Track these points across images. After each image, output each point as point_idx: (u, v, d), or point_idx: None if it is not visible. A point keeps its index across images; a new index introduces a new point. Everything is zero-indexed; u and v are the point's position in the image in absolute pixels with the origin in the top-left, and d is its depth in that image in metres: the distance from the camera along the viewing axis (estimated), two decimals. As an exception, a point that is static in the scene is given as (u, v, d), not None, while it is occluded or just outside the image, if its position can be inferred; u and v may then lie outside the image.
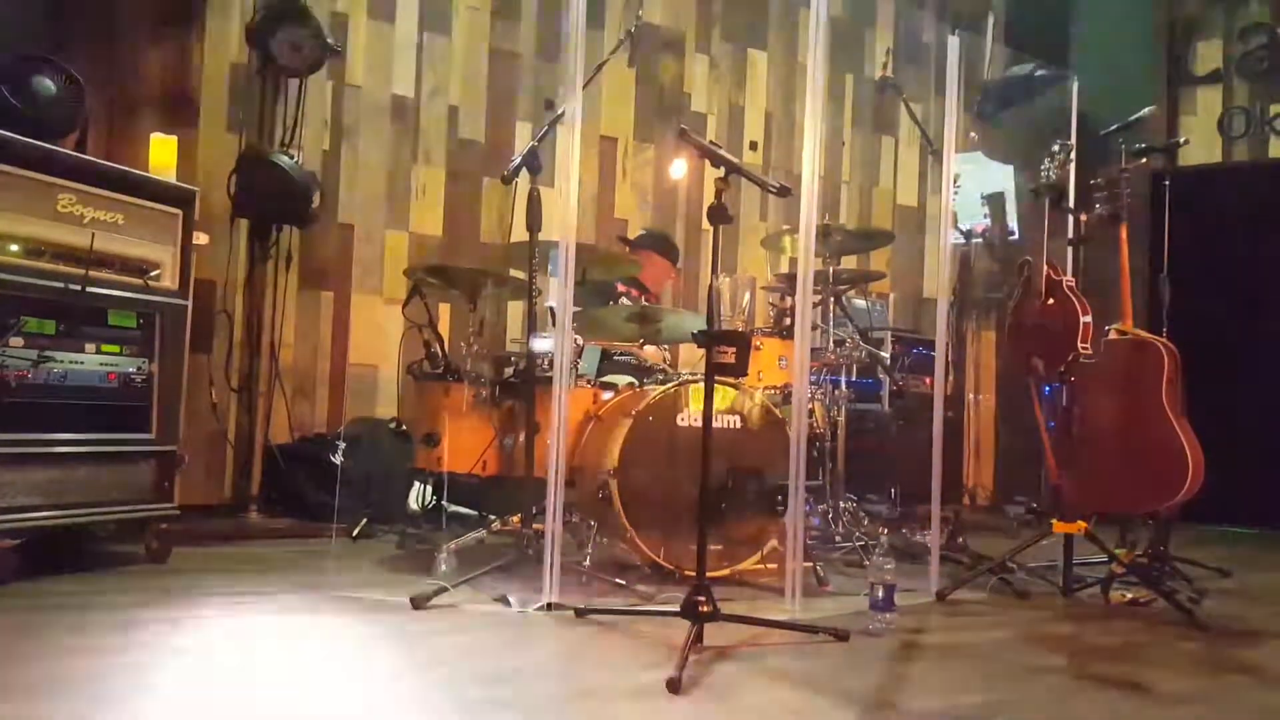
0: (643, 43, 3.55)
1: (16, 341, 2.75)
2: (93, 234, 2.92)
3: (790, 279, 3.85)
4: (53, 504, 2.82)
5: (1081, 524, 3.13)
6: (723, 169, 2.45)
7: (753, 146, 5.88)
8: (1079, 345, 3.15)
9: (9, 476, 2.71)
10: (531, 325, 3.04)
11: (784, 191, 2.51)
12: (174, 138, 3.35)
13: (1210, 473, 3.08)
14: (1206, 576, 3.55)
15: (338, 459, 3.82)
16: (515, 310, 4.84)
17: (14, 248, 2.76)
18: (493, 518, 3.28)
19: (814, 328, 3.67)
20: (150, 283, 3.09)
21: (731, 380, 3.15)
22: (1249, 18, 5.92)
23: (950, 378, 4.26)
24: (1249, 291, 5.43)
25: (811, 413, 3.64)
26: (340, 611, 2.60)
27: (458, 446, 3.33)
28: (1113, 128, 3.66)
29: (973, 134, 5.42)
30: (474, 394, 3.29)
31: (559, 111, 2.98)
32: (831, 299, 3.92)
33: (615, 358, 3.94)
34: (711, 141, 2.57)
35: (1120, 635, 2.82)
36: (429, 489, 3.98)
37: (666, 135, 5.45)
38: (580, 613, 2.60)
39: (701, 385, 2.53)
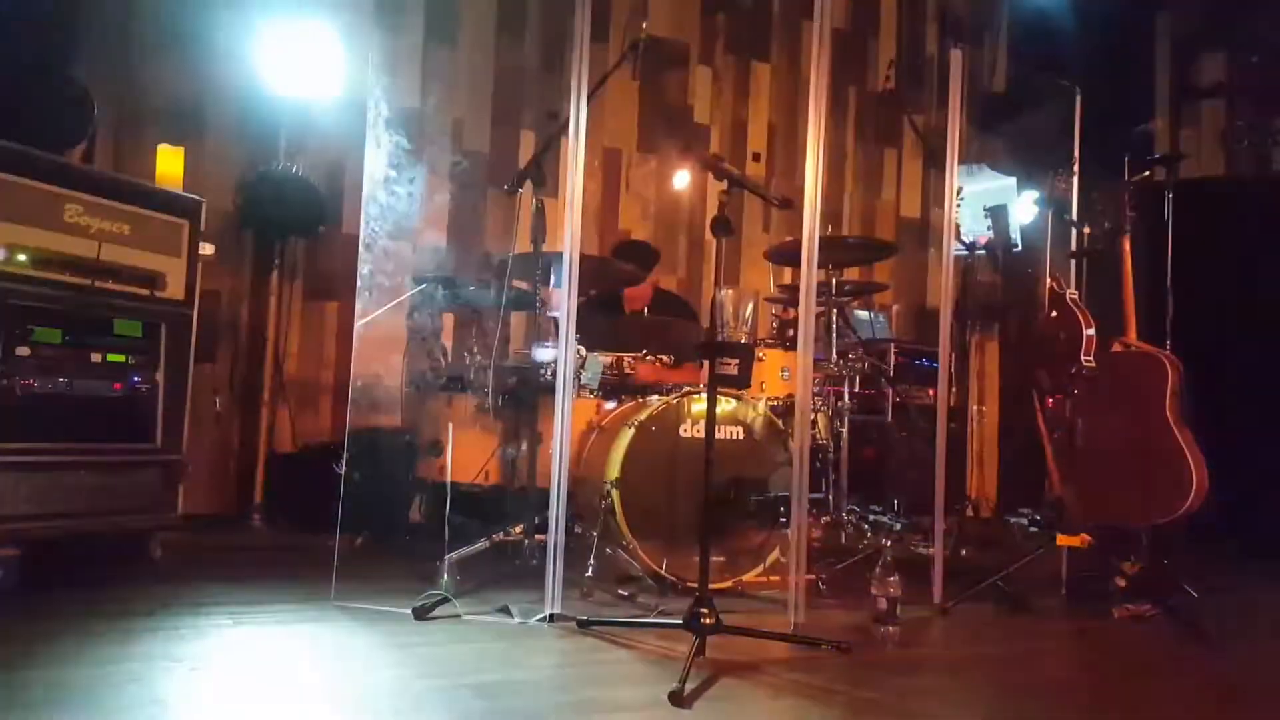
0: (646, 55, 3.56)
1: (23, 351, 2.76)
2: (99, 244, 2.94)
3: (793, 290, 3.86)
4: (56, 513, 2.82)
5: (1084, 536, 3.13)
6: (726, 181, 2.46)
7: (756, 158, 5.90)
8: (1082, 358, 3.15)
9: (12, 485, 2.72)
10: (535, 336, 3.04)
11: (786, 204, 2.52)
12: (181, 148, 3.36)
13: (1214, 485, 3.08)
14: (1209, 590, 3.54)
15: (340, 469, 3.82)
16: (519, 321, 4.86)
17: (21, 257, 2.77)
18: (495, 528, 3.28)
19: (815, 339, 3.67)
20: (156, 293, 3.11)
21: (734, 391, 3.16)
22: (1252, 31, 5.93)
23: (953, 389, 4.25)
24: (1252, 304, 5.42)
25: (814, 424, 3.64)
26: (341, 622, 2.60)
27: (461, 457, 3.33)
28: (1116, 141, 3.67)
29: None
30: (477, 404, 3.30)
31: (562, 122, 2.99)
32: (834, 310, 3.92)
33: None
34: (714, 154, 2.58)
35: (1122, 649, 2.81)
36: (432, 499, 3.97)
37: (670, 147, 5.48)
38: (582, 624, 2.59)
39: (704, 396, 2.53)
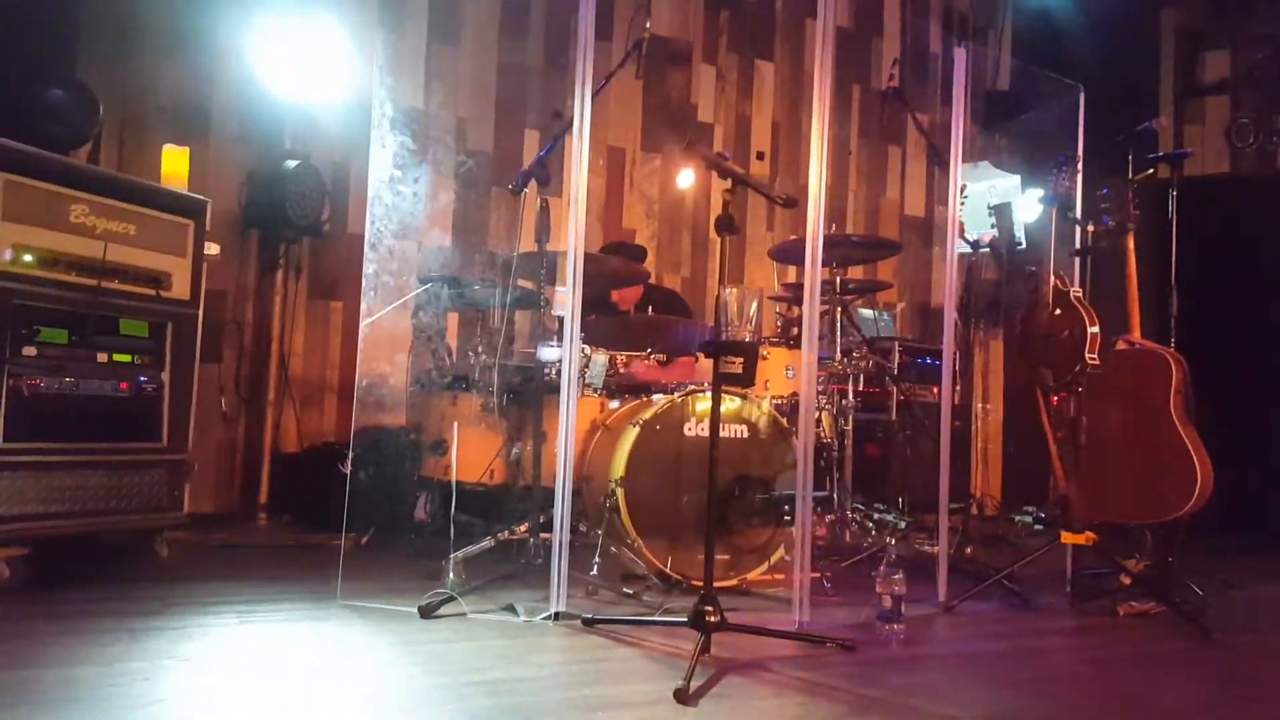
0: (650, 54, 3.56)
1: (29, 351, 2.78)
2: (105, 244, 2.95)
3: (797, 289, 3.86)
4: (63, 512, 2.84)
5: (1089, 534, 3.13)
6: (730, 180, 2.46)
7: (760, 156, 5.90)
8: (1086, 356, 3.15)
9: (20, 484, 2.73)
10: (540, 335, 3.05)
11: (790, 203, 2.52)
12: (186, 149, 3.37)
13: (1218, 483, 3.08)
14: (1214, 587, 3.54)
15: (346, 468, 3.83)
16: (523, 320, 4.86)
17: (28, 258, 2.78)
18: (500, 527, 3.28)
19: (819, 338, 3.68)
20: (162, 293, 3.12)
21: (739, 390, 3.16)
22: (1257, 28, 5.92)
23: (957, 387, 4.25)
24: (1257, 301, 5.42)
25: (819, 422, 3.64)
26: (348, 621, 2.61)
27: (466, 455, 3.34)
28: (1120, 138, 3.67)
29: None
30: (482, 403, 3.31)
31: (566, 121, 2.99)
32: (838, 309, 3.92)
33: None
34: (718, 153, 2.58)
35: (1127, 646, 2.81)
36: (437, 498, 3.99)
37: (674, 146, 5.48)
38: (587, 622, 2.60)
39: (708, 395, 2.54)
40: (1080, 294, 3.26)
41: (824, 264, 3.17)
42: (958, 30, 6.47)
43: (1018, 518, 5.30)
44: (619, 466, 3.03)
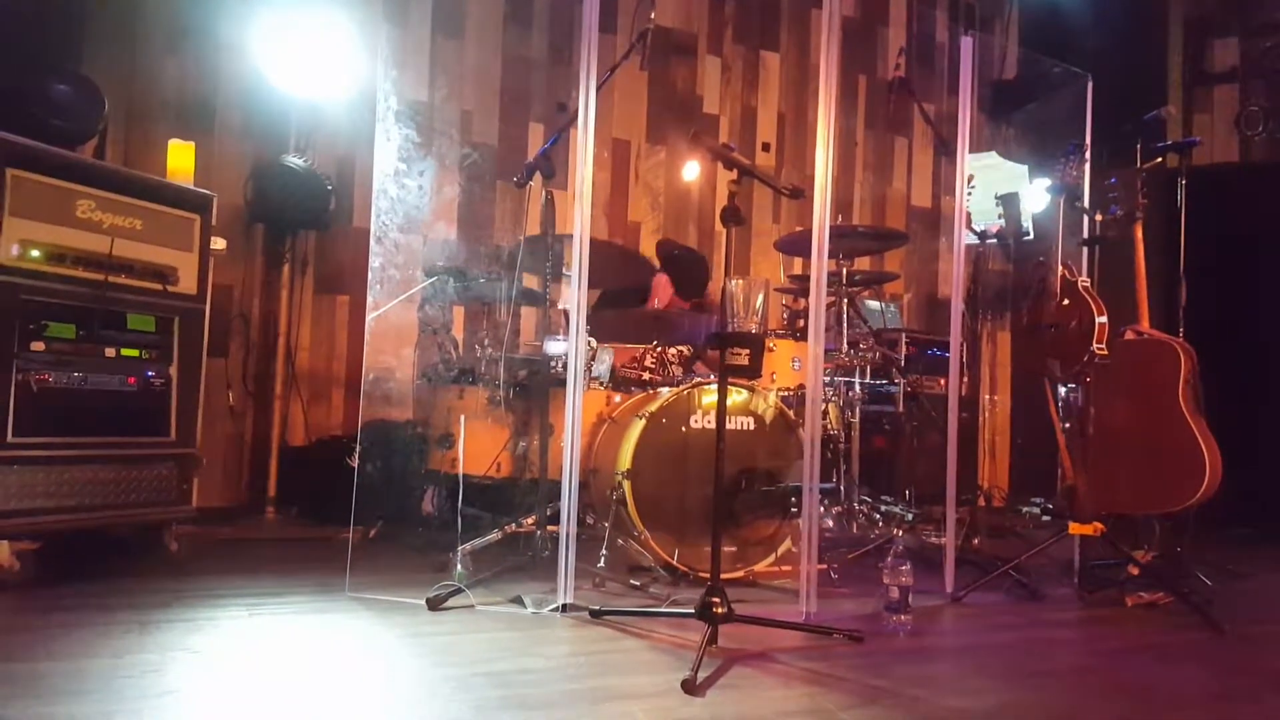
0: (655, 45, 3.56)
1: (38, 346, 2.79)
2: (111, 239, 2.95)
3: (803, 280, 3.85)
4: (72, 506, 2.85)
5: (1097, 525, 3.12)
6: (735, 171, 2.45)
7: (765, 148, 5.89)
8: (1094, 346, 3.13)
9: (29, 479, 2.75)
10: (546, 328, 3.05)
11: (796, 194, 2.51)
12: (192, 143, 3.37)
13: (1227, 473, 3.06)
14: (1223, 578, 3.53)
15: (353, 461, 3.84)
16: (529, 313, 4.87)
17: (35, 253, 2.79)
18: (507, 520, 3.29)
19: (826, 329, 3.67)
20: (169, 287, 3.12)
21: (745, 382, 3.15)
22: (1266, 15, 5.87)
23: (964, 379, 4.24)
24: (1267, 290, 5.39)
25: (825, 414, 3.64)
26: (356, 613, 2.62)
27: (473, 449, 3.34)
28: (1128, 127, 3.65)
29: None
30: (488, 396, 3.31)
31: (570, 113, 2.99)
32: (845, 300, 3.91)
33: None
34: (724, 144, 2.57)
35: (1135, 637, 2.80)
36: (444, 491, 3.99)
37: (679, 137, 5.47)
38: (595, 614, 2.60)
39: (714, 387, 2.53)
40: (1088, 284, 3.25)
41: (830, 255, 3.17)
42: (964, 19, 6.43)
43: (1025, 509, 5.29)
44: (625, 459, 3.03)
